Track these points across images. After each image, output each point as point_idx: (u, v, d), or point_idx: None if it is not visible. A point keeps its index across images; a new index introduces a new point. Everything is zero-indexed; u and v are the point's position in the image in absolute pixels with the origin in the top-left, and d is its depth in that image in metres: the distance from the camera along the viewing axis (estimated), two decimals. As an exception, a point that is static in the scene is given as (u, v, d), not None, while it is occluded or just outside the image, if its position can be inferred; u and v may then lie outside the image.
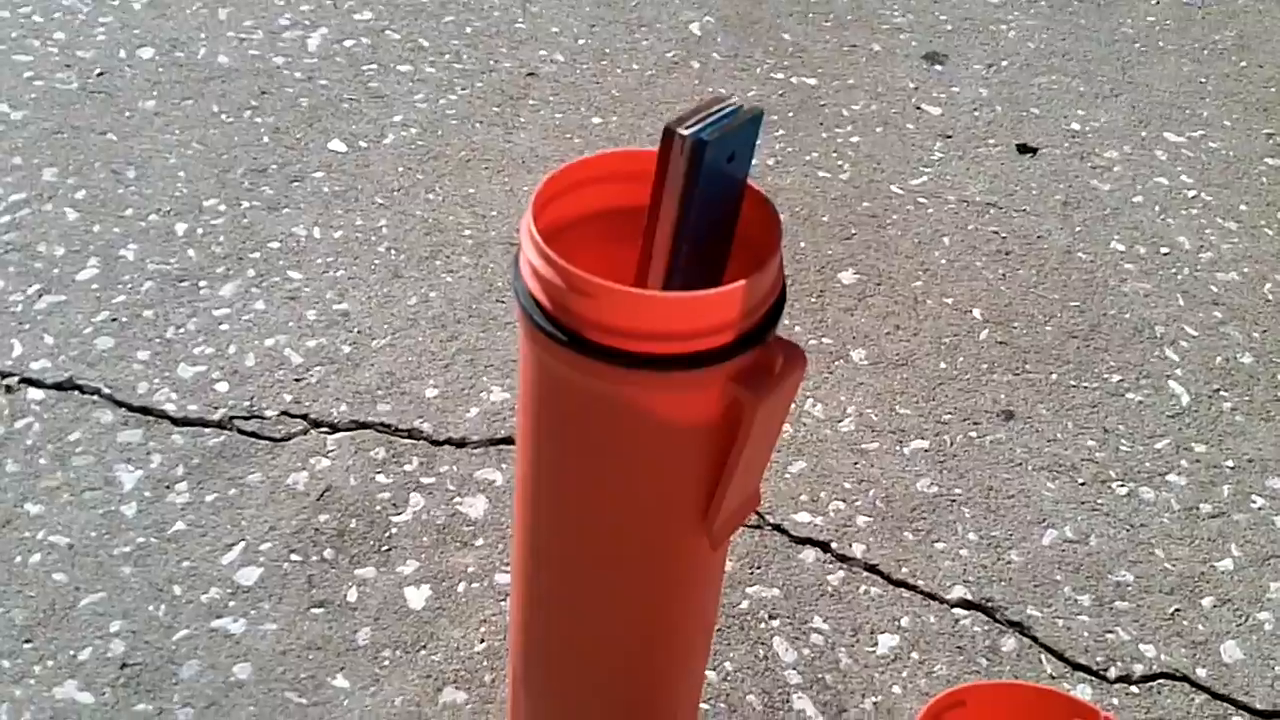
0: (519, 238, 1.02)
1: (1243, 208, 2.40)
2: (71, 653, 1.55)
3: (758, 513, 1.80)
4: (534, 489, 1.13)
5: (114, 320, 2.00)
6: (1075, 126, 2.64)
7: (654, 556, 1.12)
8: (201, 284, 2.09)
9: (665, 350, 0.97)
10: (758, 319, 1.00)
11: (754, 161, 2.43)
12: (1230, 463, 1.92)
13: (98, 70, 2.56)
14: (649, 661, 1.22)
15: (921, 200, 2.39)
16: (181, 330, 2.00)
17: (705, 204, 1.01)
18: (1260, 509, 1.85)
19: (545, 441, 1.09)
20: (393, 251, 2.20)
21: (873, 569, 1.74)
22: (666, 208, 1.01)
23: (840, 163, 2.47)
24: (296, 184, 2.32)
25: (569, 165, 1.07)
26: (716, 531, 1.11)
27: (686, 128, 0.98)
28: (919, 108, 2.67)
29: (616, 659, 1.21)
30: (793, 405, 1.94)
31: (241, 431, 1.85)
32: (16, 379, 1.89)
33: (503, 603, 1.65)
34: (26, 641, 1.57)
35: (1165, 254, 2.29)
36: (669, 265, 1.04)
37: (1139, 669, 1.64)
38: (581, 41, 2.80)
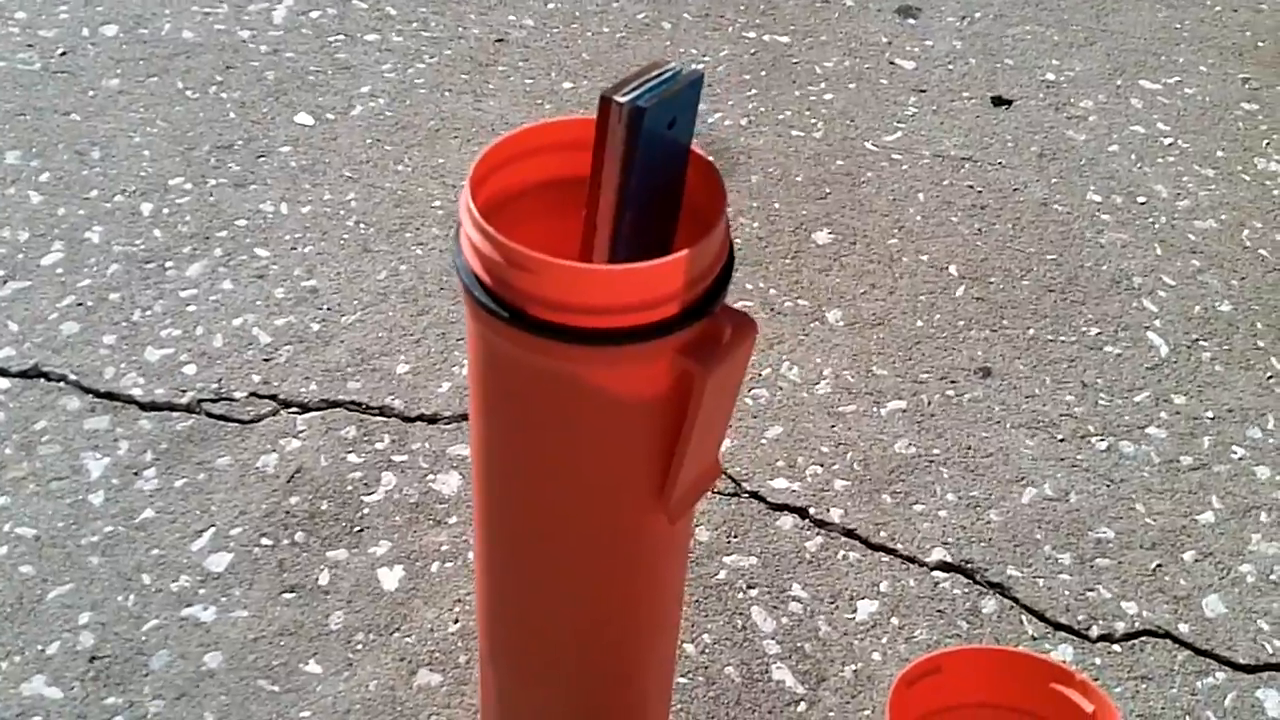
0: (458, 213, 1.00)
1: (1220, 154, 2.37)
2: (39, 647, 1.54)
3: (733, 479, 1.78)
4: (487, 469, 1.11)
5: (79, 305, 1.97)
6: (1050, 77, 2.61)
7: (612, 533, 1.10)
8: (168, 265, 2.06)
9: (609, 324, 0.95)
10: (703, 289, 0.98)
11: (725, 120, 2.40)
12: (1210, 413, 1.90)
13: (60, 50, 2.52)
14: (615, 638, 1.20)
15: (896, 156, 2.36)
16: (148, 313, 1.97)
17: (647, 172, 0.99)
18: (1241, 459, 1.83)
19: (496, 420, 1.06)
20: (361, 225, 2.17)
21: (851, 534, 1.72)
22: (608, 177, 0.99)
23: (814, 121, 2.44)
24: (263, 159, 2.29)
25: (507, 136, 1.04)
26: (674, 506, 1.09)
27: (624, 94, 0.96)
28: (892, 62, 2.63)
29: (582, 636, 1.19)
30: (769, 369, 1.92)
31: (210, 414, 1.82)
32: (-18, 368, 1.87)
33: (475, 586, 1.63)
34: (-5, 635, 1.55)
35: (1142, 203, 2.27)
36: (613, 236, 1.01)
37: (1121, 627, 1.62)
38: (551, 5, 2.76)
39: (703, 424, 1.02)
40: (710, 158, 1.04)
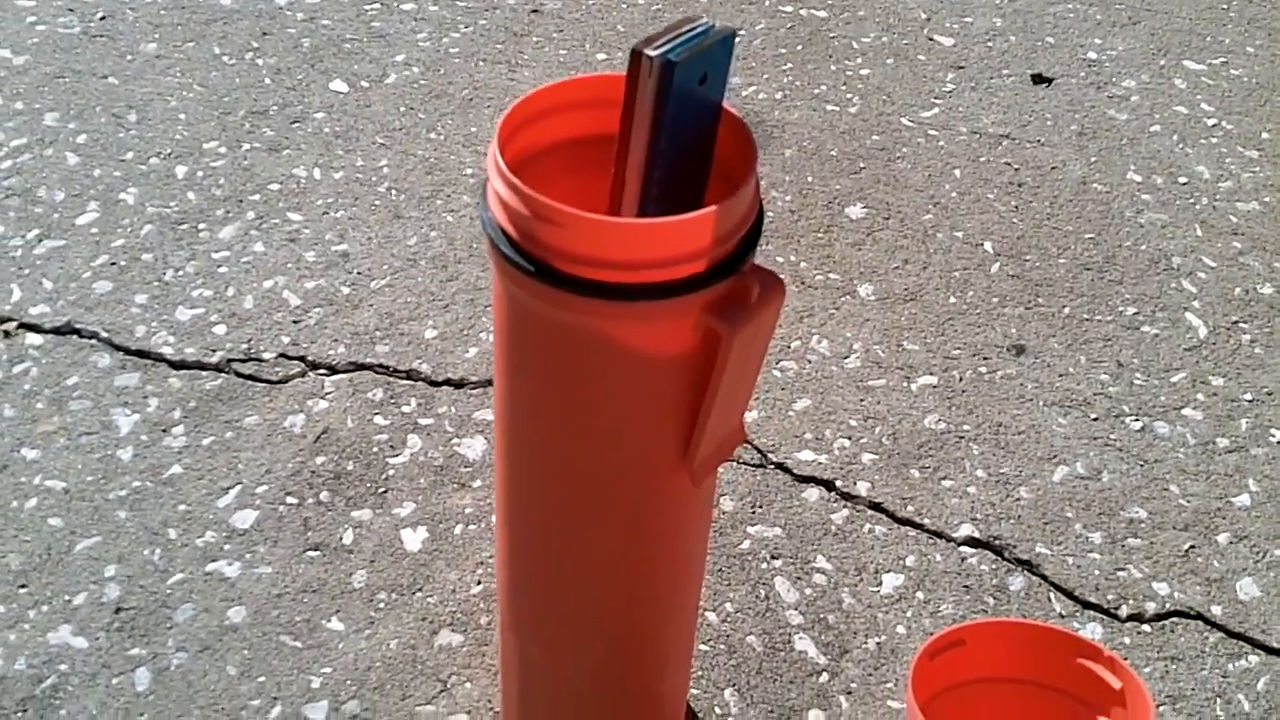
0: (485, 167, 0.99)
1: (1265, 136, 2.34)
2: (66, 597, 1.54)
3: (759, 450, 1.77)
4: (511, 427, 1.10)
5: (113, 264, 1.98)
6: (1092, 55, 2.58)
7: (635, 494, 1.09)
8: (201, 226, 2.06)
9: (635, 280, 0.94)
10: (732, 246, 0.97)
11: (760, 93, 2.39)
12: (1249, 396, 1.87)
13: (99, 14, 2.53)
14: (636, 599, 1.20)
15: (932, 133, 2.34)
16: (180, 273, 1.97)
17: (677, 128, 0.97)
18: (1279, 442, 1.81)
19: (520, 378, 1.06)
20: (393, 192, 2.16)
21: (877, 507, 1.71)
22: (638, 133, 0.98)
23: (849, 95, 2.42)
24: (297, 125, 2.29)
25: (537, 91, 1.03)
26: (698, 468, 1.08)
27: (655, 48, 0.94)
28: (931, 38, 2.61)
29: (603, 597, 1.19)
30: (798, 342, 1.91)
31: (239, 374, 1.82)
32: (15, 324, 1.87)
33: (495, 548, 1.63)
34: (21, 586, 1.55)
35: (1183, 184, 2.24)
36: (642, 193, 1.00)
37: (1151, 607, 1.60)
38: (589, -24, 2.75)
39: (728, 385, 1.01)
40: (742, 116, 1.02)
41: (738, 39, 2.55)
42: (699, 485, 1.10)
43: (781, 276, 1.00)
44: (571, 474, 1.08)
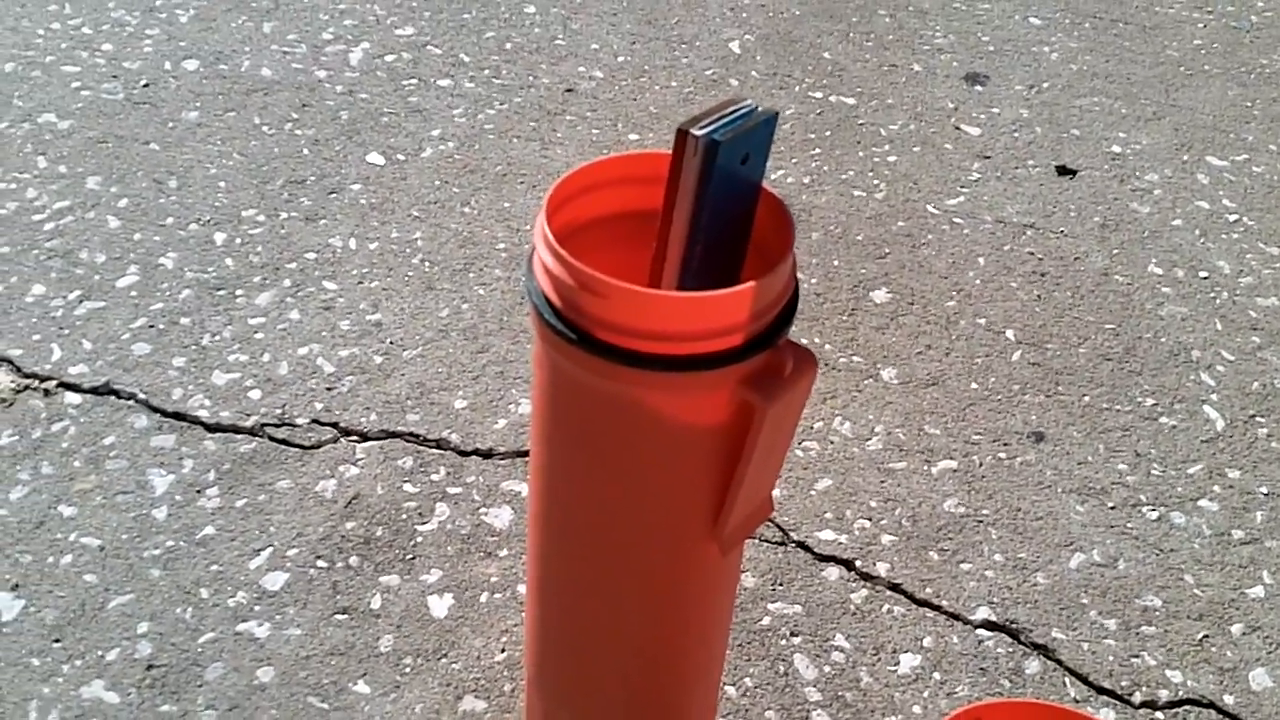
0: (533, 238, 1.03)
1: (1284, 233, 2.38)
2: (99, 653, 1.57)
3: (781, 529, 1.79)
4: (546, 491, 1.13)
5: (151, 327, 2.02)
6: (1116, 149, 2.62)
7: (664, 561, 1.12)
8: (238, 292, 2.10)
9: (674, 351, 0.97)
10: (768, 321, 1.00)
11: (788, 177, 2.43)
12: (1264, 489, 1.90)
13: (143, 81, 2.59)
14: (661, 669, 1.22)
15: (958, 220, 2.38)
16: (217, 338, 2.01)
17: (719, 205, 1.01)
18: (1293, 535, 1.83)
19: (557, 443, 1.09)
20: (427, 264, 2.21)
21: (896, 588, 1.73)
22: (680, 208, 1.01)
23: (876, 182, 2.47)
24: (334, 196, 2.34)
25: (585, 166, 1.07)
26: (727, 538, 1.11)
27: (700, 128, 0.98)
28: (958, 128, 2.66)
29: (629, 665, 1.21)
30: (821, 423, 1.94)
31: (272, 438, 1.86)
32: (55, 383, 1.91)
33: (524, 613, 1.65)
34: (56, 641, 1.58)
35: (1204, 278, 2.28)
36: (682, 267, 1.04)
37: (1164, 694, 1.62)
38: (621, 59, 2.81)
39: (760, 456, 1.04)
40: (780, 196, 1.06)
41: (767, 125, 2.61)
42: (727, 555, 1.13)
43: (815, 354, 1.03)
44: (603, 540, 1.11)
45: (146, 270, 2.13)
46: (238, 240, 2.22)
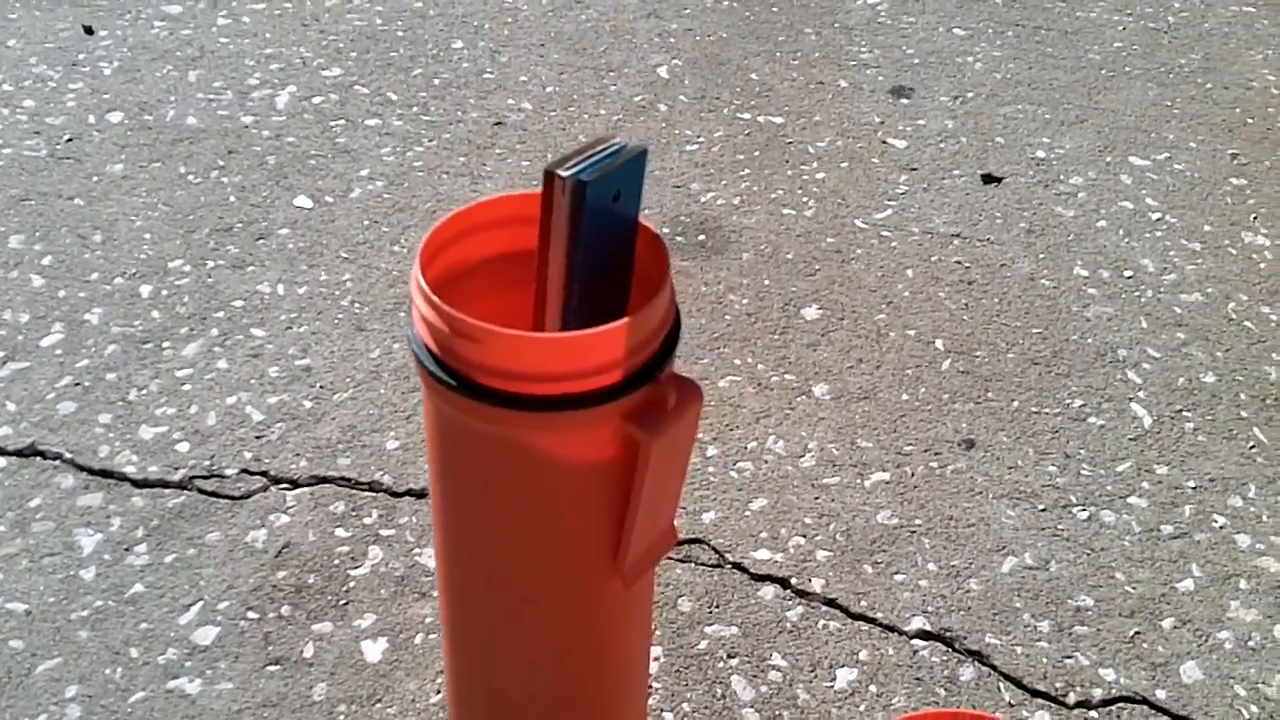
0: (410, 290, 1.03)
1: (1207, 228, 2.40)
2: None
3: (716, 550, 1.79)
4: (446, 536, 1.13)
5: (77, 384, 2.01)
6: (1040, 154, 2.64)
7: (568, 598, 1.12)
8: (165, 345, 2.10)
9: (552, 391, 0.97)
10: (646, 356, 1.01)
11: (718, 199, 2.44)
12: (1192, 483, 1.91)
13: (66, 136, 2.58)
14: (578, 702, 1.22)
15: (886, 234, 2.39)
16: (144, 392, 2.01)
17: (593, 243, 1.02)
18: (1222, 528, 1.84)
19: (452, 486, 1.09)
20: (356, 305, 2.21)
21: (832, 603, 1.74)
22: (555, 249, 1.02)
23: (805, 199, 2.48)
24: (262, 242, 2.34)
25: (458, 211, 1.07)
26: (629, 571, 1.11)
27: (567, 169, 0.99)
28: (885, 141, 2.67)
29: (544, 700, 1.21)
30: (755, 443, 1.94)
31: (201, 491, 1.85)
32: (-19, 447, 1.91)
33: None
34: (-16, 708, 1.57)
35: (1129, 277, 2.29)
36: (564, 307, 1.04)
37: (1098, 693, 1.63)
38: (550, 89, 2.82)
39: (651, 490, 1.05)
40: (659, 230, 1.07)
41: (696, 146, 2.62)
42: (630, 588, 1.13)
43: (698, 383, 1.04)
44: (505, 579, 1.11)
45: (71, 327, 2.12)
46: (164, 292, 2.22)
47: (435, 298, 0.98)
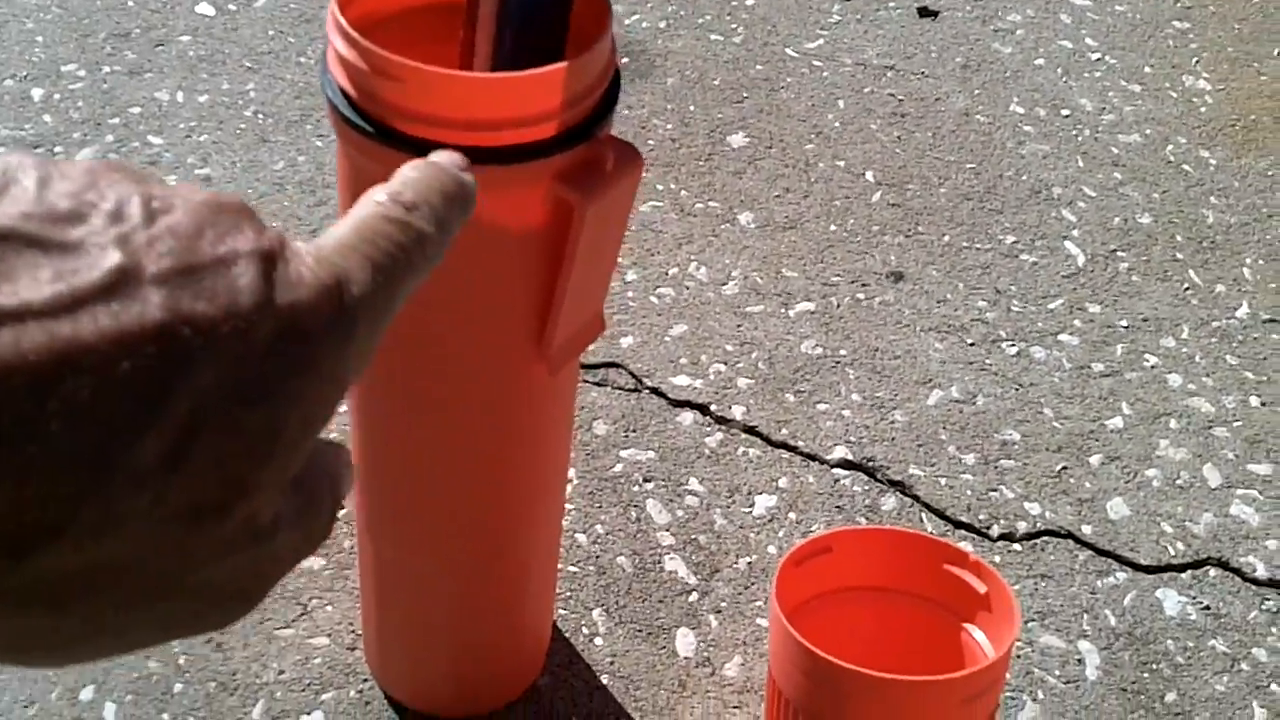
0: (326, 29, 0.93)
1: (1147, 70, 2.34)
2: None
3: (634, 375, 1.72)
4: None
5: (-41, 183, 1.88)
6: (977, -8, 2.56)
7: (489, 380, 1.05)
8: (58, 149, 1.98)
9: (481, 142, 0.89)
10: (584, 110, 0.92)
11: (643, 21, 2.34)
12: (1125, 322, 1.86)
13: (-49, -69, 2.41)
14: (492, 500, 1.15)
15: (817, 64, 2.31)
16: (32, 193, 1.88)
17: (528, -13, 0.92)
18: (1153, 367, 1.80)
19: (365, 257, 1.00)
20: (260, 115, 2.09)
21: (752, 430, 1.68)
22: (486, -7, 0.92)
23: (734, 25, 2.38)
24: (161, 49, 2.21)
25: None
26: (555, 354, 1.03)
27: (503, -103, 0.89)
28: (817, -27, 2.57)
29: (457, 494, 1.14)
30: (676, 269, 1.87)
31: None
32: None
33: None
34: None
35: (1066, 116, 2.23)
36: (493, 57, 0.95)
37: (1023, 526, 1.59)
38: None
39: (583, 262, 0.97)
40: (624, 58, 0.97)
41: (620, -30, 2.50)
42: (555, 374, 1.05)
43: (640, 150, 0.96)
44: (423, 358, 1.03)
45: (-46, 125, 1.99)
46: (56, 96, 2.08)
47: (355, 33, 0.88)
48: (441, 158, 0.40)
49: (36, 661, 0.31)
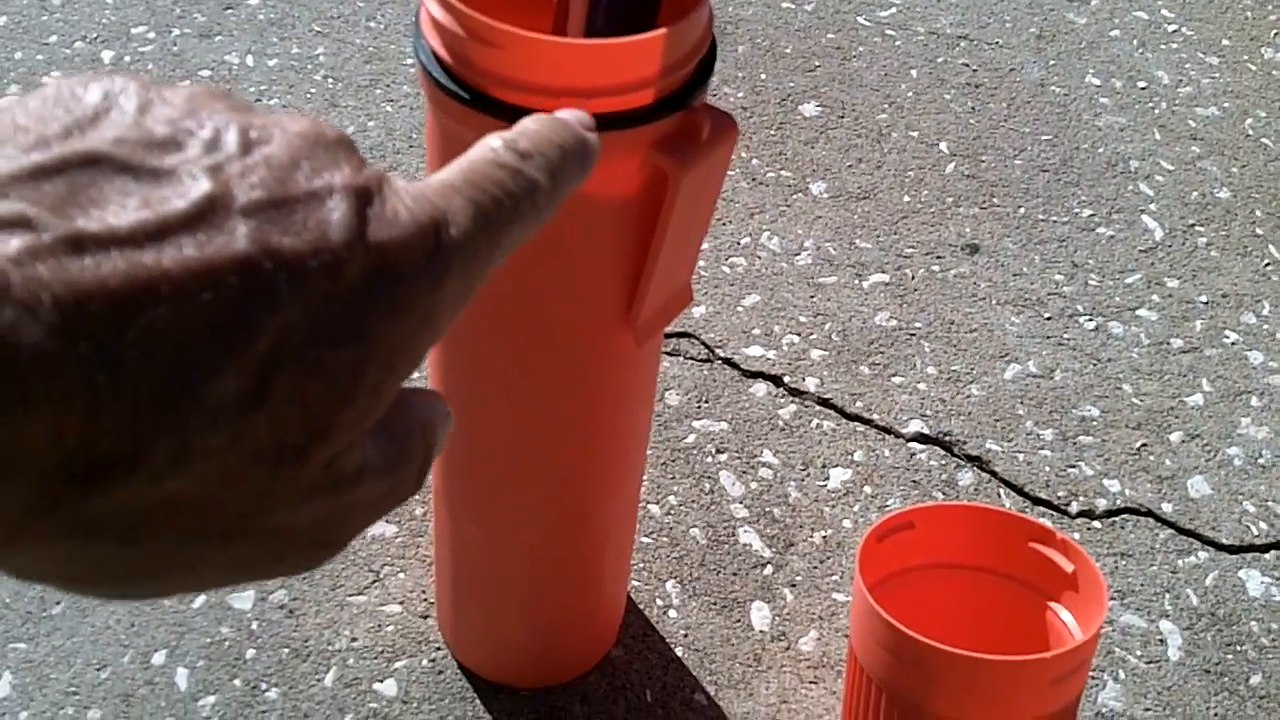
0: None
1: (1225, 42, 2.29)
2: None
3: (706, 345, 1.71)
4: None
5: (32, 146, 1.89)
6: (1052, -40, 2.52)
7: (576, 352, 1.03)
8: (127, 111, 1.97)
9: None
10: (682, 79, 0.90)
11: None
12: (1204, 298, 1.83)
13: (22, -107, 2.42)
14: (574, 474, 1.14)
15: (890, 32, 2.28)
16: (104, 157, 1.88)
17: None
18: (1233, 344, 1.77)
19: (454, 225, 0.99)
20: (330, 80, 2.08)
21: (826, 403, 1.66)
22: (583, -45, 0.91)
23: (805, -6, 2.36)
24: (230, 11, 2.20)
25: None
26: (642, 326, 1.02)
27: None
28: (889, -60, 2.54)
29: (540, 469, 1.13)
30: (749, 238, 1.85)
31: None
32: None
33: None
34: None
35: (1142, 88, 2.19)
36: (588, 21, 0.93)
37: (1102, 504, 1.57)
38: None
39: (676, 232, 0.95)
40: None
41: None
42: (642, 345, 1.04)
43: (735, 119, 0.94)
44: (510, 330, 1.02)
45: (29, 90, 1.99)
46: (127, 58, 2.08)
47: (450, -3, 0.87)
48: (567, 114, 0.39)
49: (107, 593, 0.31)
